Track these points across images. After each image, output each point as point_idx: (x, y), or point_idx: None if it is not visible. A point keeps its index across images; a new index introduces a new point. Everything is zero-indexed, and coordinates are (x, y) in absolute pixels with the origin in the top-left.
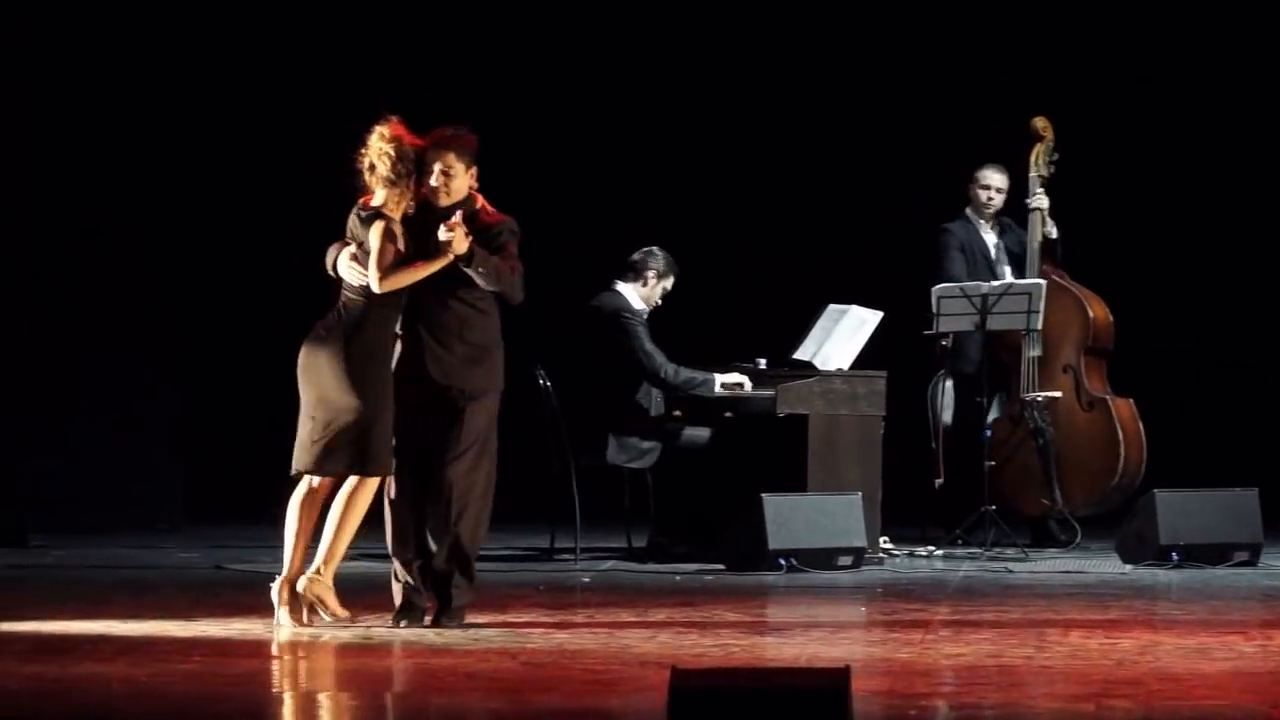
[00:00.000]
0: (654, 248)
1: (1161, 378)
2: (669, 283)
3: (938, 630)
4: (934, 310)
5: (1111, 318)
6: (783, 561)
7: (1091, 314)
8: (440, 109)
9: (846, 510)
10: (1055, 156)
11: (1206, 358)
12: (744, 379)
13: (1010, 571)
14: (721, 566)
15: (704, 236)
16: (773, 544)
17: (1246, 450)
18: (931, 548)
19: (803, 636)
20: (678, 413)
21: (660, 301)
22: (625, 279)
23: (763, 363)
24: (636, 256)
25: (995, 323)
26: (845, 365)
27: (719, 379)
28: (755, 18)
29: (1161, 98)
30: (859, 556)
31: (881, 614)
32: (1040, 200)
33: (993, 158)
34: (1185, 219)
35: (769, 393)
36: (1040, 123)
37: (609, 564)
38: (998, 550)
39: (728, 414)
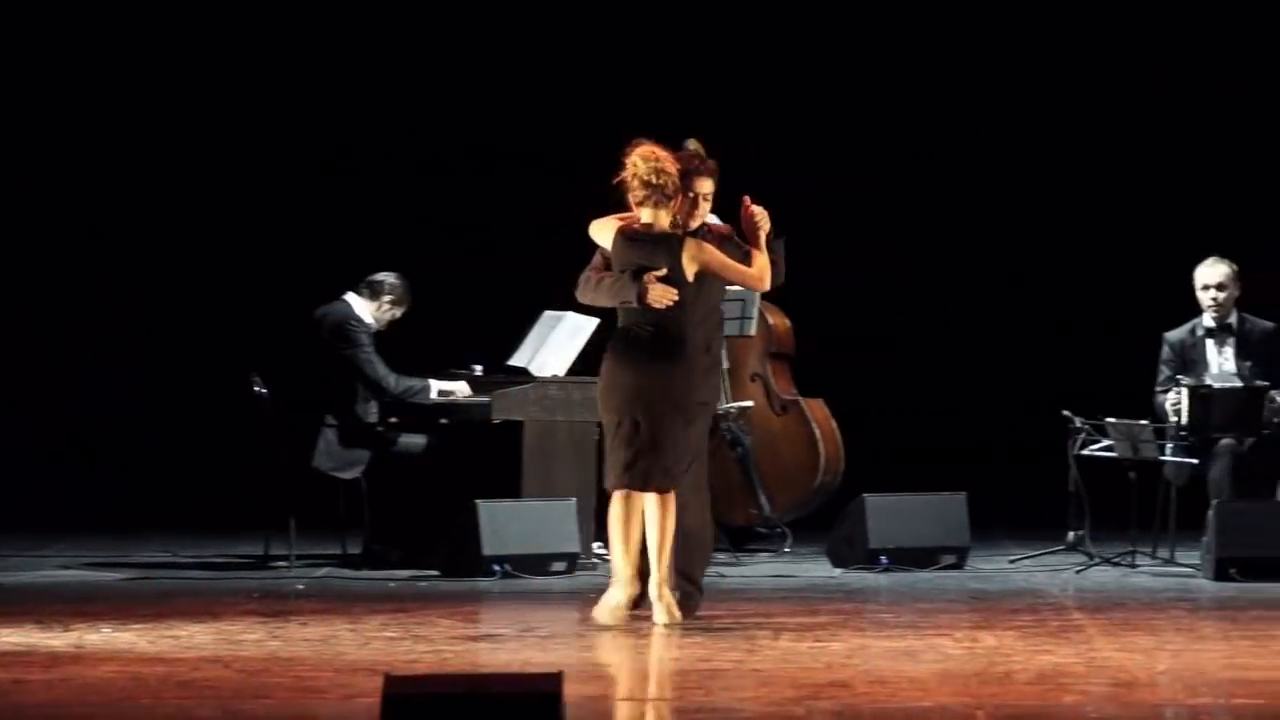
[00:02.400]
0: (397, 274)
1: (861, 384)
2: (399, 311)
3: (650, 635)
4: None
5: (789, 323)
6: (497, 568)
7: (771, 321)
8: None
9: (561, 516)
10: None
11: (906, 365)
12: (460, 385)
13: (723, 576)
14: (436, 573)
15: (421, 241)
16: (487, 550)
17: (952, 455)
18: None
19: (516, 642)
20: (394, 419)
21: (385, 328)
22: (359, 293)
23: (479, 369)
24: (378, 277)
25: None
26: (561, 372)
27: (435, 385)
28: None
29: (814, 110)
30: (573, 562)
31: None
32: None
33: None
34: (881, 219)
35: (484, 399)
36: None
37: (323, 571)
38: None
39: (444, 420)
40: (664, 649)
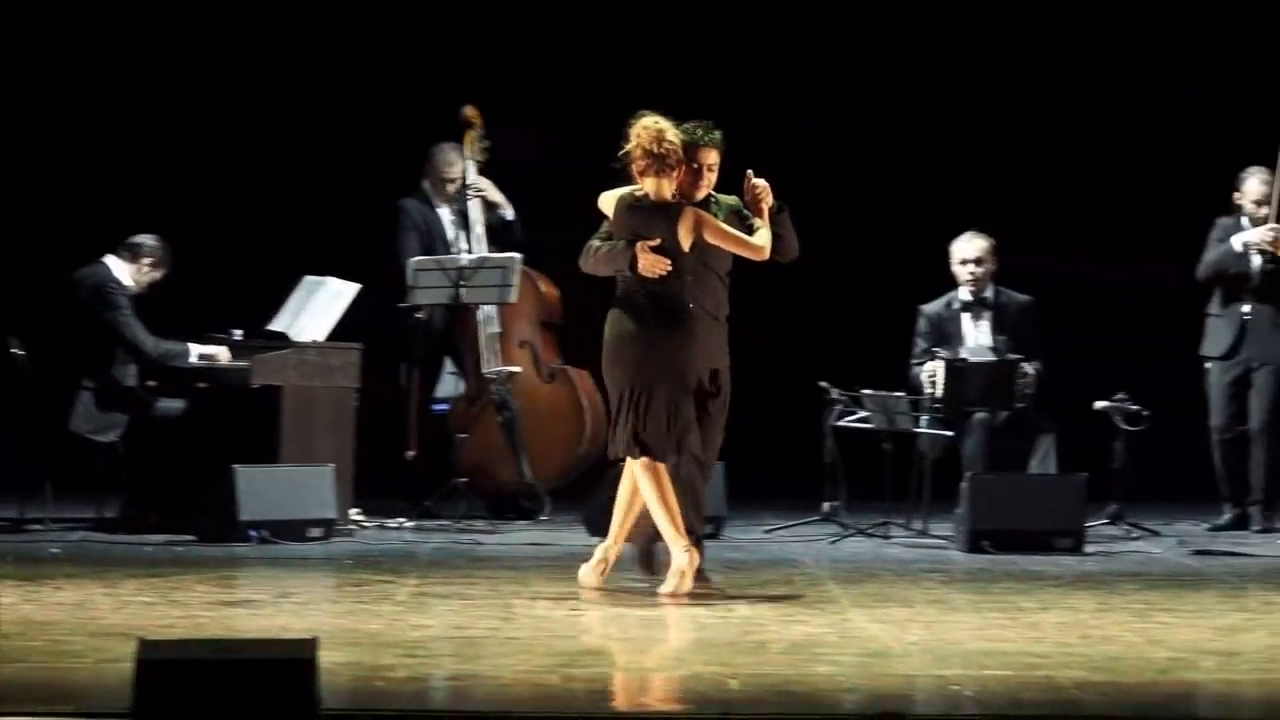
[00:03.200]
0: (156, 237)
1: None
2: (159, 274)
3: (405, 602)
4: (410, 283)
5: (559, 292)
6: (254, 533)
7: (543, 290)
8: None
9: (318, 482)
10: (487, 144)
11: None
12: (220, 350)
13: (479, 544)
14: (193, 538)
15: (180, 207)
16: (244, 515)
17: None
18: (402, 520)
19: (272, 608)
20: (152, 383)
21: (145, 290)
22: (119, 255)
23: (238, 334)
24: (138, 239)
25: (470, 296)
26: (320, 337)
27: (195, 349)
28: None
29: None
30: (329, 528)
31: (351, 585)
32: (478, 183)
33: (446, 139)
34: None
35: (244, 364)
36: (470, 111)
37: (79, 535)
38: (467, 523)
39: (203, 384)
40: (419, 617)
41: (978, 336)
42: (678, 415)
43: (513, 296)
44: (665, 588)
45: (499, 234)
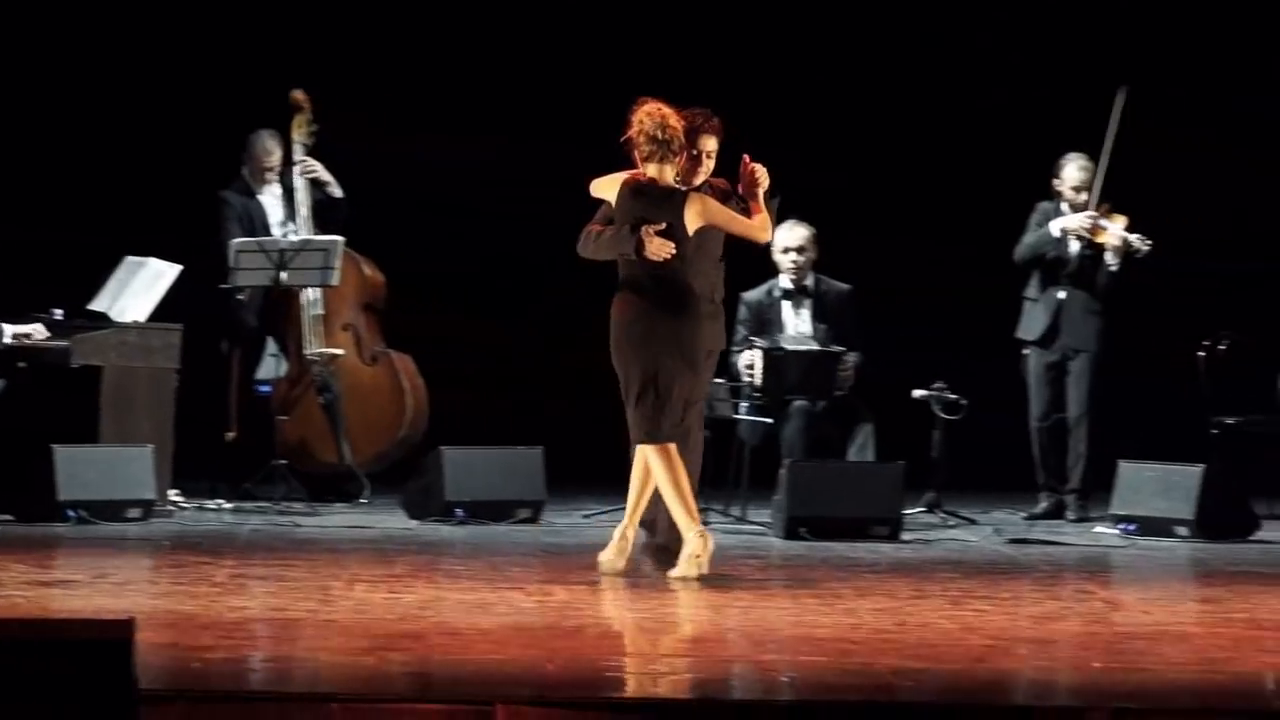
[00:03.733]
0: None
1: (446, 341)
2: None
3: (224, 583)
4: (231, 264)
5: (383, 277)
6: (73, 513)
7: (366, 273)
8: None
9: (137, 462)
10: (315, 127)
11: (489, 324)
12: (34, 328)
13: (298, 526)
14: (10, 517)
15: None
16: (62, 495)
17: (530, 411)
18: (221, 501)
19: (89, 589)
20: None
21: None
22: None
23: (59, 313)
24: None
25: (293, 278)
26: (141, 317)
27: (9, 329)
28: None
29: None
30: (148, 509)
31: (169, 566)
32: (307, 166)
33: (264, 126)
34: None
35: (64, 343)
36: (298, 95)
37: None
38: (287, 505)
39: (21, 364)
40: (237, 598)
41: (798, 324)
42: (684, 398)
43: (334, 280)
44: (678, 572)
45: (326, 212)
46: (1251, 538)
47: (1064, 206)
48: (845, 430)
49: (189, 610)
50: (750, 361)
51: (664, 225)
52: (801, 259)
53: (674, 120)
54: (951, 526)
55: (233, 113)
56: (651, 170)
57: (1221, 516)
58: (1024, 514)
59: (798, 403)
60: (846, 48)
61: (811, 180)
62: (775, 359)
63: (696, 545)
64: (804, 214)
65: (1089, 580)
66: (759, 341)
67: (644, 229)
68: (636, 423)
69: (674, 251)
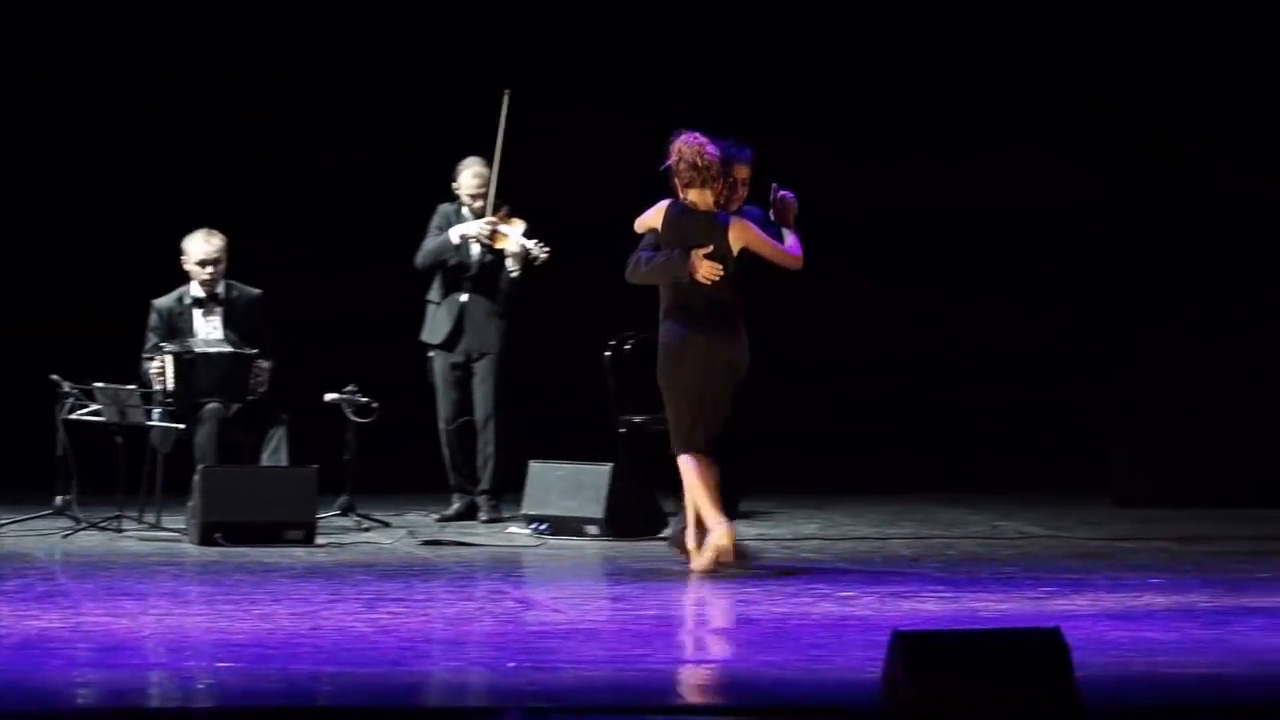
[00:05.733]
0: None
1: None
2: None
3: None
4: None
5: None
6: None
7: None
8: None
9: None
10: None
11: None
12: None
13: None
14: None
15: None
16: None
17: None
18: None
19: None
20: None
21: None
22: None
23: None
24: None
25: None
26: None
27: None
28: None
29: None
30: None
31: None
32: None
33: None
34: None
35: None
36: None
37: None
38: None
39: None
40: None
41: (209, 330)
42: (724, 413)
43: None
44: (699, 564)
45: None
46: (659, 535)
47: (465, 210)
48: (258, 434)
49: None
50: (160, 367)
51: (711, 248)
52: (213, 268)
53: (710, 148)
54: (366, 529)
55: None
56: (693, 195)
57: (630, 514)
58: (436, 516)
59: (210, 406)
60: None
61: (230, 189)
62: (186, 363)
63: (717, 537)
64: (215, 221)
65: (502, 580)
66: (169, 346)
67: (694, 252)
68: (690, 438)
69: (722, 273)
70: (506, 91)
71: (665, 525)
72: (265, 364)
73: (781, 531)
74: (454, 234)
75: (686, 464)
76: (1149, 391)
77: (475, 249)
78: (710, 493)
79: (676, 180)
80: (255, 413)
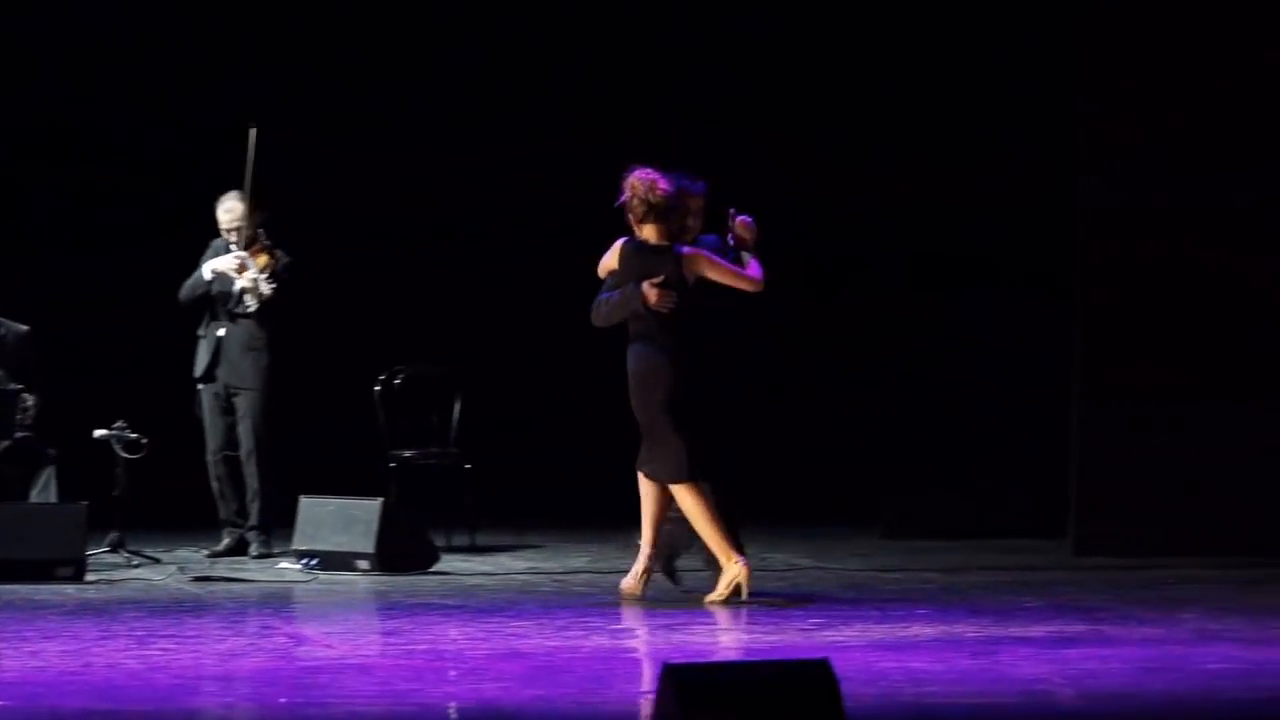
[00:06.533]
0: None
1: None
2: None
3: None
4: None
5: None
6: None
7: None
8: None
9: None
10: None
11: None
12: None
13: None
14: None
15: None
16: None
17: None
18: None
19: None
20: None
21: None
22: None
23: None
24: None
25: None
26: None
27: None
28: None
29: None
30: None
31: None
32: None
33: None
34: None
35: None
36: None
37: None
38: None
39: None
40: None
41: None
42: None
43: None
44: (715, 596)
45: None
46: (430, 569)
47: (231, 245)
48: (27, 471)
49: None
50: None
51: (662, 277)
52: None
53: (663, 184)
54: (136, 566)
55: None
56: (647, 231)
57: (401, 549)
58: (207, 551)
59: None
60: None
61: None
62: None
63: (736, 573)
64: None
65: (273, 616)
66: None
67: (644, 283)
68: (673, 465)
69: (674, 304)
70: (252, 128)
71: (437, 559)
72: (30, 399)
73: (553, 565)
74: (206, 269)
75: (685, 494)
76: (917, 425)
77: (239, 281)
78: (717, 524)
79: (631, 216)
80: (23, 449)
